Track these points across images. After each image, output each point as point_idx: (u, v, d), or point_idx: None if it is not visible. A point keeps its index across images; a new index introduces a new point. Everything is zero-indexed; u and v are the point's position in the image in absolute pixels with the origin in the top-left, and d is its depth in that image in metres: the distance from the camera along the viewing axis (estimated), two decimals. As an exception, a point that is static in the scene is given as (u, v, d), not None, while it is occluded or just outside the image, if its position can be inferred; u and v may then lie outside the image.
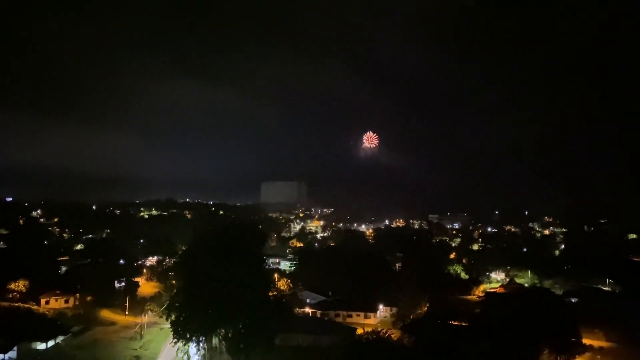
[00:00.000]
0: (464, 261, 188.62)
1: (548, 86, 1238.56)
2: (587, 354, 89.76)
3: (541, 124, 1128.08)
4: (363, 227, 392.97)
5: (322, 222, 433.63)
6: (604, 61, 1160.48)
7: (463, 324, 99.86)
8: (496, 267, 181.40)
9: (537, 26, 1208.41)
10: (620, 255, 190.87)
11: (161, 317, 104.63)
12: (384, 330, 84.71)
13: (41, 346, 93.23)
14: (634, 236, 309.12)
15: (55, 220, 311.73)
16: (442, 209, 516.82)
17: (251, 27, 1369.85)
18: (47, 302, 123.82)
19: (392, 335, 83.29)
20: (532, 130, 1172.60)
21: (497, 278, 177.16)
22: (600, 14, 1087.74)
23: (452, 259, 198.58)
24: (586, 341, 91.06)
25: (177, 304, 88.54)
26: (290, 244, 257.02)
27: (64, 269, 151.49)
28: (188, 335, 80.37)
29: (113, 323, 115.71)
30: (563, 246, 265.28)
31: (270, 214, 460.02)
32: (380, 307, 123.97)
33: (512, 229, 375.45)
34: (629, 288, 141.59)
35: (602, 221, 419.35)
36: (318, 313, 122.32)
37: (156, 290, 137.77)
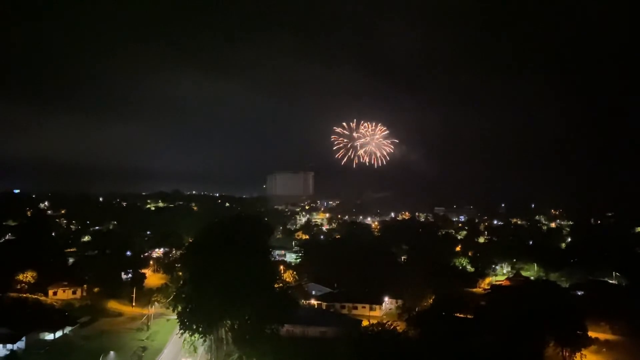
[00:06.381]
0: (469, 254, 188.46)
1: (555, 80, 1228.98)
2: (593, 347, 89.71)
3: (548, 117, 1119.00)
4: (369, 220, 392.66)
5: (327, 215, 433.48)
6: (614, 56, 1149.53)
7: (469, 316, 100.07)
8: (502, 259, 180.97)
9: (548, 22, 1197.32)
10: (627, 248, 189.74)
11: (168, 308, 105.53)
12: (389, 323, 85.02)
13: (49, 336, 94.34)
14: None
15: (63, 212, 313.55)
16: (448, 202, 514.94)
17: (257, 18, 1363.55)
18: (54, 293, 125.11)
19: (398, 328, 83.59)
20: (538, 123, 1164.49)
21: (503, 271, 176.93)
22: (615, 11, 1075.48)
23: (457, 251, 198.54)
24: (592, 334, 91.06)
25: (183, 296, 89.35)
26: (296, 236, 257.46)
27: (71, 260, 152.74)
28: (194, 327, 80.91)
29: (120, 314, 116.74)
30: (569, 239, 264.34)
31: (276, 206, 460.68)
32: (386, 299, 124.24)
33: (519, 222, 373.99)
34: (636, 281, 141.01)
35: (609, 214, 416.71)
36: (324, 305, 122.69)
37: (163, 281, 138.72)
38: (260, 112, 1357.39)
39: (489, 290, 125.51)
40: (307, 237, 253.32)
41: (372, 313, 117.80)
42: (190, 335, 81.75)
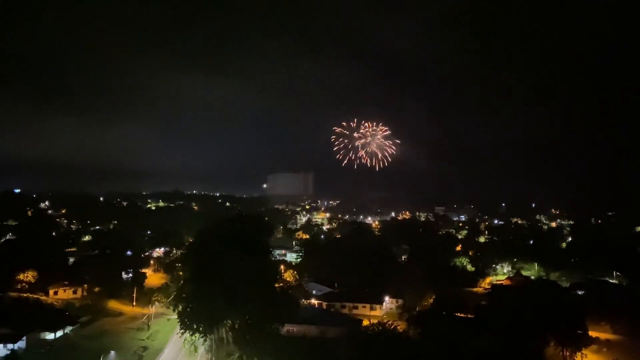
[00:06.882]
0: (470, 253, 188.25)
1: (556, 79, 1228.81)
2: (593, 347, 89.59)
3: (549, 116, 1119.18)
4: (369, 219, 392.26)
5: (328, 214, 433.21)
6: (615, 56, 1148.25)
7: (469, 316, 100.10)
8: (502, 259, 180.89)
9: (550, 21, 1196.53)
10: (628, 247, 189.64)
11: (168, 308, 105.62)
12: (389, 322, 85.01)
13: (50, 336, 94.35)
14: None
15: (63, 211, 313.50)
16: (449, 201, 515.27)
17: (257, 19, 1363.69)
18: (55, 293, 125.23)
19: (398, 327, 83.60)
20: (539, 122, 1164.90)
21: (504, 270, 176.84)
22: (613, 13, 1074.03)
23: (458, 251, 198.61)
24: (592, 334, 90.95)
25: (184, 295, 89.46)
26: (297, 236, 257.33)
27: (72, 260, 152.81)
28: (195, 326, 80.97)
29: (120, 314, 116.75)
30: (570, 239, 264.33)
31: (276, 206, 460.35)
32: (386, 298, 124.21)
33: (519, 221, 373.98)
34: (636, 281, 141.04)
35: (610, 213, 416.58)
36: (324, 304, 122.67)
37: (163, 281, 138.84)
38: (260, 112, 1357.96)
39: (490, 290, 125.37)
40: (308, 236, 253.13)
41: (373, 313, 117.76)
42: (191, 335, 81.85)
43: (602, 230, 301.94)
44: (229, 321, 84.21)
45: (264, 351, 78.10)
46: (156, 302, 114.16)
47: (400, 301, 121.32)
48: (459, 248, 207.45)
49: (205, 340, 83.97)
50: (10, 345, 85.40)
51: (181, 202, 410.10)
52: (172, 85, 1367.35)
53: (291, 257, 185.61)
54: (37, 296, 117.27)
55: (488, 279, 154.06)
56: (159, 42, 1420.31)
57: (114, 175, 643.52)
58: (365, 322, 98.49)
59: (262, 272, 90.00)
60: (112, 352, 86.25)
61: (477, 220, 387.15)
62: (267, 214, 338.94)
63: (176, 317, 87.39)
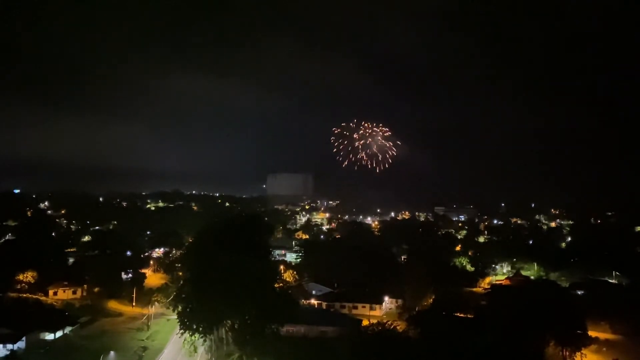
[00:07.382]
0: (469, 253, 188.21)
1: (557, 80, 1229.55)
2: (593, 346, 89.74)
3: (548, 116, 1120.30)
4: (369, 219, 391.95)
5: (327, 214, 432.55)
6: (616, 56, 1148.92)
7: (469, 316, 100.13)
8: (502, 259, 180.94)
9: (551, 21, 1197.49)
10: (627, 247, 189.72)
11: (168, 308, 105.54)
12: (389, 322, 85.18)
13: (49, 336, 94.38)
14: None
15: (63, 211, 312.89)
16: (449, 201, 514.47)
17: (257, 19, 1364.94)
18: (55, 293, 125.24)
19: (398, 327, 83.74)
20: (539, 122, 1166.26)
21: (503, 270, 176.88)
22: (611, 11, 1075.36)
23: (458, 251, 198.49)
24: (592, 333, 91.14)
25: (183, 296, 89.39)
26: (296, 236, 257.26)
27: (71, 260, 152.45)
28: (195, 327, 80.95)
29: (120, 314, 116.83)
30: (570, 238, 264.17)
31: (276, 206, 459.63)
32: (386, 298, 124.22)
33: (519, 221, 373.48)
34: (636, 281, 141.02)
35: (609, 213, 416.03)
36: (324, 304, 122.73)
37: (163, 281, 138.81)
38: (260, 112, 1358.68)
39: (489, 290, 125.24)
40: (307, 236, 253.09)
41: (373, 313, 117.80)
42: (191, 335, 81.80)
43: (602, 230, 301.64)
44: (229, 321, 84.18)
45: (264, 351, 78.09)
46: (156, 303, 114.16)
47: (400, 301, 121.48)
48: (458, 248, 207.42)
49: (205, 341, 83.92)
50: (10, 346, 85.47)
51: (181, 203, 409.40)
52: (172, 85, 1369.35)
53: (291, 257, 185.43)
54: (36, 296, 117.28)
55: (488, 279, 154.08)
56: (159, 42, 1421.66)
57: (114, 175, 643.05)
58: (365, 322, 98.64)
59: (262, 272, 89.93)
60: (112, 352, 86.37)
61: (477, 220, 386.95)
62: (267, 214, 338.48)
63: (176, 317, 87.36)
